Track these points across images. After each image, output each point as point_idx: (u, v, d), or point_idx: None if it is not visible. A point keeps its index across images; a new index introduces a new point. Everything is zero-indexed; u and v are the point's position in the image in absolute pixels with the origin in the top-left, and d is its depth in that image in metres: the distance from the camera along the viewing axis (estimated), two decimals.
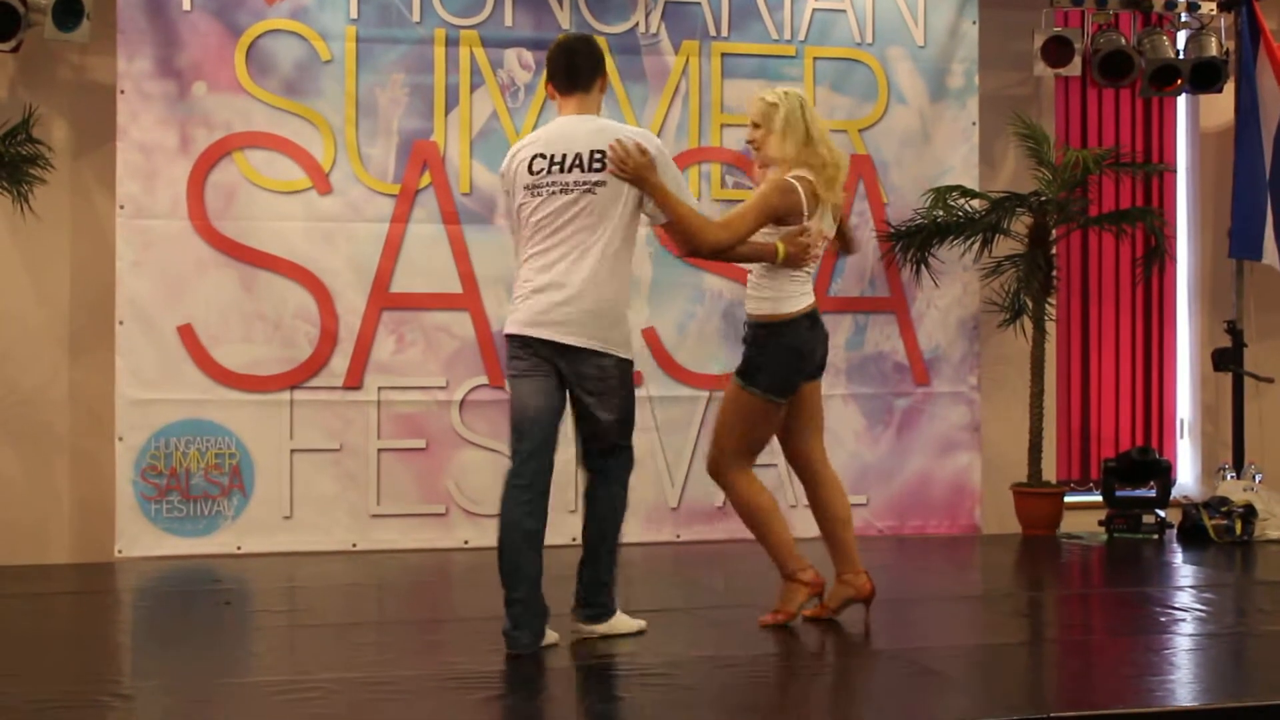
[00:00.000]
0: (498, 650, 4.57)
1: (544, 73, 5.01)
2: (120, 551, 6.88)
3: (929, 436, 7.79)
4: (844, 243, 5.35)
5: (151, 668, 4.78)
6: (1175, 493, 7.95)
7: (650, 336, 7.39)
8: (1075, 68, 8.04)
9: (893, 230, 7.71)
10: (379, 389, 7.16)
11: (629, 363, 4.75)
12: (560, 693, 4.33)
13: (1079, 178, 7.63)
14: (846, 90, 7.73)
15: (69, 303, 7.22)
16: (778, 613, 5.03)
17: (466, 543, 7.12)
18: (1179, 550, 7.17)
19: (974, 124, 7.87)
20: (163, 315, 6.96)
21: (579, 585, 4.82)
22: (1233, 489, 7.58)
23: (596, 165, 4.62)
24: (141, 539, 6.90)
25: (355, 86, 7.18)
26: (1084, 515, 7.82)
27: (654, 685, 4.32)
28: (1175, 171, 8.62)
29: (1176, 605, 5.72)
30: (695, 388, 7.45)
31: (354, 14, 7.19)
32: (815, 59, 7.68)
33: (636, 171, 4.61)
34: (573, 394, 4.70)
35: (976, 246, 7.73)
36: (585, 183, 4.62)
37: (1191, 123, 8.73)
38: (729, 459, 5.01)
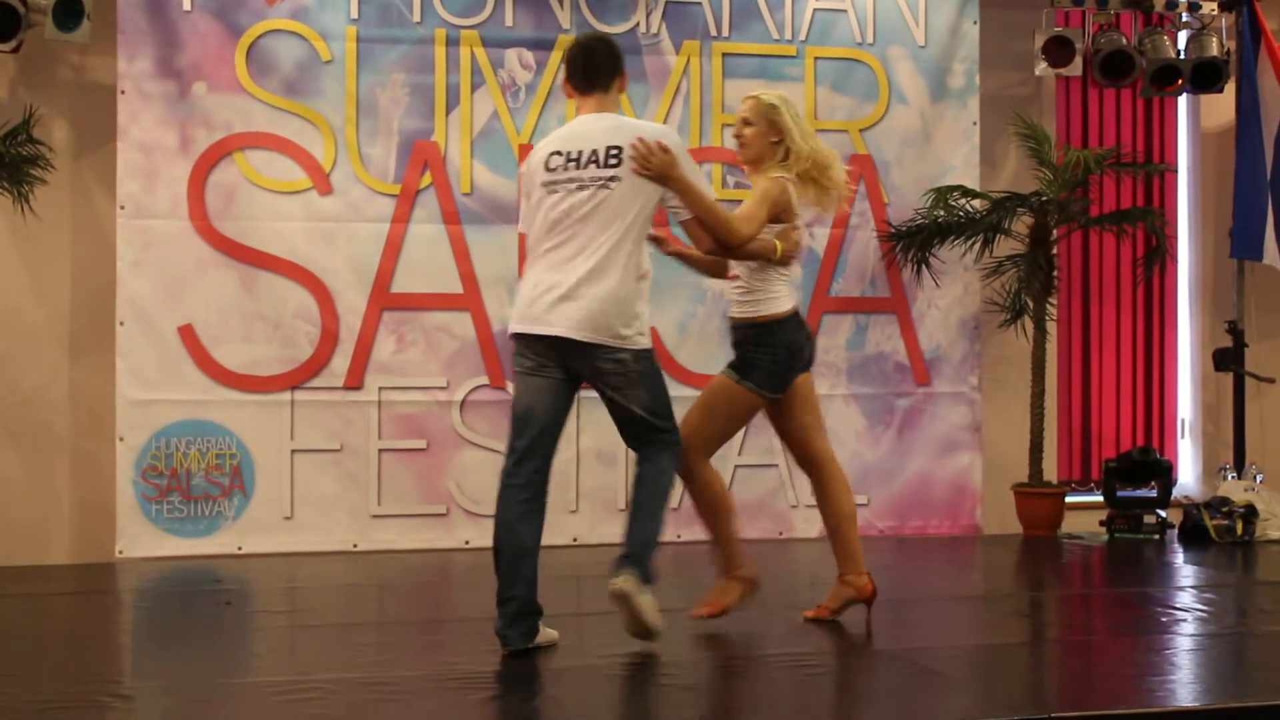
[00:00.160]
0: (497, 650, 4.57)
1: (561, 72, 5.01)
2: (121, 552, 6.88)
3: (930, 437, 7.78)
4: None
5: (152, 668, 4.78)
6: (1176, 493, 7.95)
7: (651, 336, 7.35)
8: (1076, 68, 8.04)
9: (893, 230, 7.71)
10: (379, 389, 7.16)
11: (648, 351, 4.71)
12: (560, 693, 4.32)
13: (1080, 178, 7.63)
14: (847, 90, 7.73)
15: (69, 303, 7.22)
16: (713, 604, 5.10)
17: (467, 543, 7.12)
18: (1180, 550, 7.17)
19: (975, 124, 7.88)
20: (163, 315, 6.97)
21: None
22: (1234, 489, 7.58)
23: (612, 161, 4.59)
24: (142, 539, 6.91)
25: (356, 86, 7.18)
26: (1085, 515, 7.82)
27: (654, 685, 4.31)
28: (1176, 171, 8.61)
29: (1177, 605, 5.72)
30: (696, 388, 7.39)
31: (354, 14, 7.19)
32: (816, 59, 7.68)
33: (660, 169, 4.59)
34: (598, 390, 4.67)
35: (977, 246, 7.73)
36: (601, 179, 4.60)
37: (1192, 123, 8.73)
38: (699, 447, 5.00)
